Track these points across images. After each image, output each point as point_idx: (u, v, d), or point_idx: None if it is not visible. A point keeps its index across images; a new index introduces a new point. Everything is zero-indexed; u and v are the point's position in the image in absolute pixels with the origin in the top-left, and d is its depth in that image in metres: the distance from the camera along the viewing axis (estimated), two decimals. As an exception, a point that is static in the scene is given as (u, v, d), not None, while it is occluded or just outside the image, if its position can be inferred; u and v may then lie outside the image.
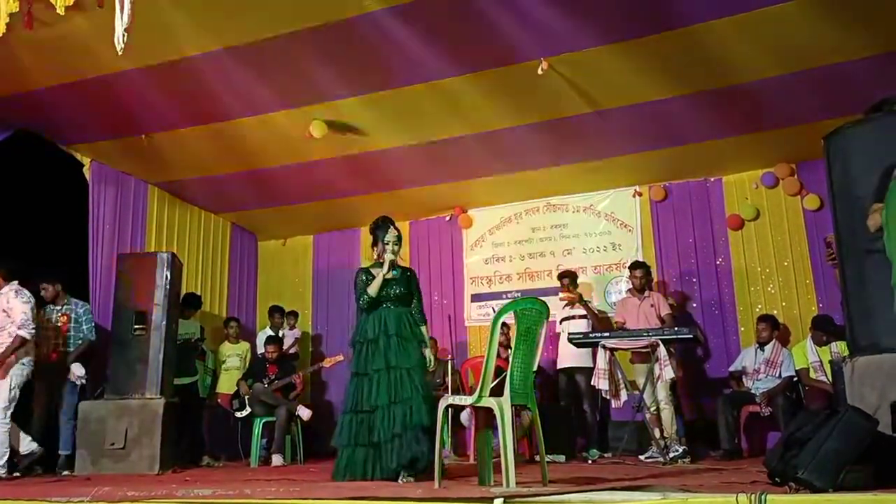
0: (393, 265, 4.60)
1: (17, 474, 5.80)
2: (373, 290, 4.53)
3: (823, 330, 6.27)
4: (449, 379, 6.94)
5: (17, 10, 4.19)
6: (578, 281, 7.50)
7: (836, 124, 4.28)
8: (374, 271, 4.63)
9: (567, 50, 5.37)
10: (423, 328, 4.68)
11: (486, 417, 4.01)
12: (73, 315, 6.29)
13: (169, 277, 6.20)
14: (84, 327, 6.29)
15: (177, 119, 6.44)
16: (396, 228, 4.70)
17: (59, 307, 6.30)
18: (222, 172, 7.64)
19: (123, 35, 3.57)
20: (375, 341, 4.43)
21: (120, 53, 3.65)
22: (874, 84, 5.17)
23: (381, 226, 4.70)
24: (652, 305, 6.69)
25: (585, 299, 7.34)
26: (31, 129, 6.54)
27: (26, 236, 6.32)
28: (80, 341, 6.24)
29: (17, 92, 5.83)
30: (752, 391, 6.47)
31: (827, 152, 4.28)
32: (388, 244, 4.62)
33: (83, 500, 3.16)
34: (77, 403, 6.01)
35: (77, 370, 6.07)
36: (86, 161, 7.14)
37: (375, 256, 4.72)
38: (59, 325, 6.22)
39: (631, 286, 7.03)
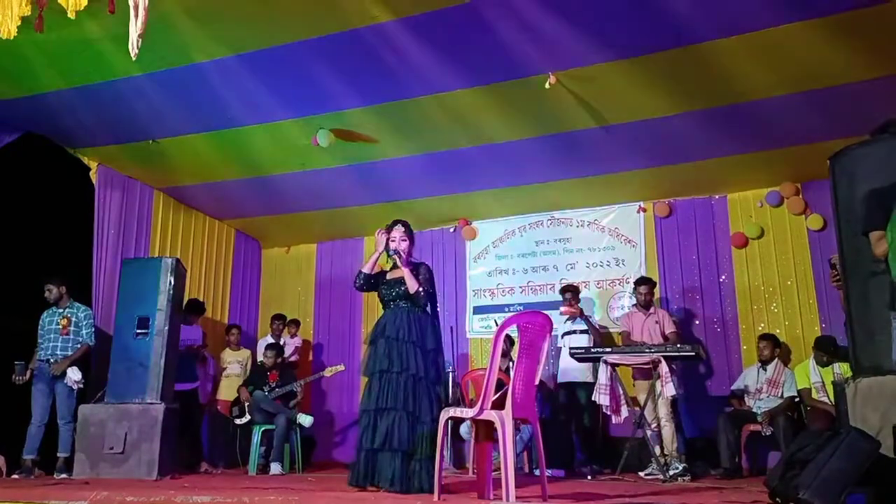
0: (386, 245, 4.49)
1: (17, 476, 5.82)
2: (367, 267, 4.52)
3: (825, 351, 6.25)
4: (450, 391, 6.92)
5: (29, 13, 4.22)
6: (580, 296, 7.49)
7: (841, 145, 4.28)
8: (385, 270, 4.60)
9: (575, 65, 5.39)
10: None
11: (486, 430, 4.00)
12: (73, 318, 6.28)
13: (172, 283, 6.20)
14: (83, 332, 6.29)
15: (184, 125, 6.47)
16: (405, 226, 4.59)
17: (60, 310, 6.30)
18: (228, 179, 7.67)
19: (137, 41, 3.58)
20: (374, 343, 4.37)
21: (134, 59, 3.67)
22: (881, 105, 5.18)
23: (389, 228, 4.59)
24: (657, 322, 6.69)
25: (587, 314, 7.33)
26: (39, 132, 6.58)
27: (32, 238, 6.35)
28: (78, 345, 6.24)
29: (26, 95, 5.87)
30: (754, 410, 6.45)
31: (833, 172, 4.28)
32: (394, 241, 4.53)
33: (81, 504, 3.16)
34: (75, 406, 6.01)
35: (73, 374, 6.05)
36: (92, 165, 7.18)
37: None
38: (58, 327, 6.22)
39: (636, 302, 7.02)
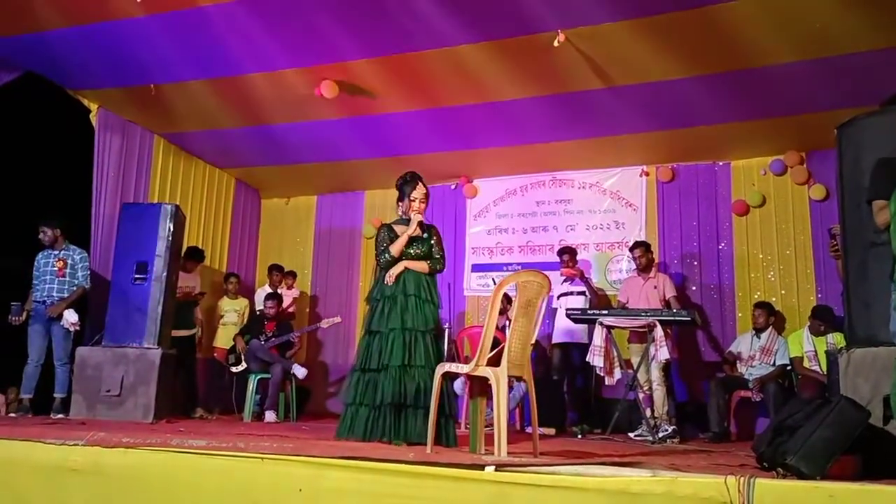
0: (421, 225, 4.46)
1: (13, 414, 5.89)
2: (395, 249, 4.40)
3: (823, 320, 6.28)
4: (445, 346, 6.96)
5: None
6: (578, 258, 7.49)
7: (849, 115, 4.24)
8: (397, 228, 4.50)
9: (584, 23, 5.32)
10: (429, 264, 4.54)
11: (480, 387, 4.04)
12: (69, 261, 6.27)
13: (172, 229, 6.20)
14: (79, 274, 6.29)
15: (186, 70, 6.39)
16: (425, 185, 4.52)
17: (56, 252, 6.29)
18: (229, 127, 7.59)
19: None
20: (393, 299, 4.31)
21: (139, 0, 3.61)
22: (891, 76, 5.13)
23: (408, 181, 4.52)
24: (655, 287, 6.70)
25: (586, 276, 7.35)
26: (39, 72, 6.49)
27: (30, 179, 6.32)
28: (74, 287, 6.25)
29: (27, 33, 5.78)
30: (746, 377, 6.51)
31: (839, 142, 4.25)
32: (414, 201, 4.47)
33: (78, 444, 3.19)
34: (71, 348, 6.05)
35: (70, 317, 6.07)
36: (93, 107, 7.10)
37: (400, 213, 4.59)
38: (55, 269, 6.23)
39: (635, 266, 7.02)
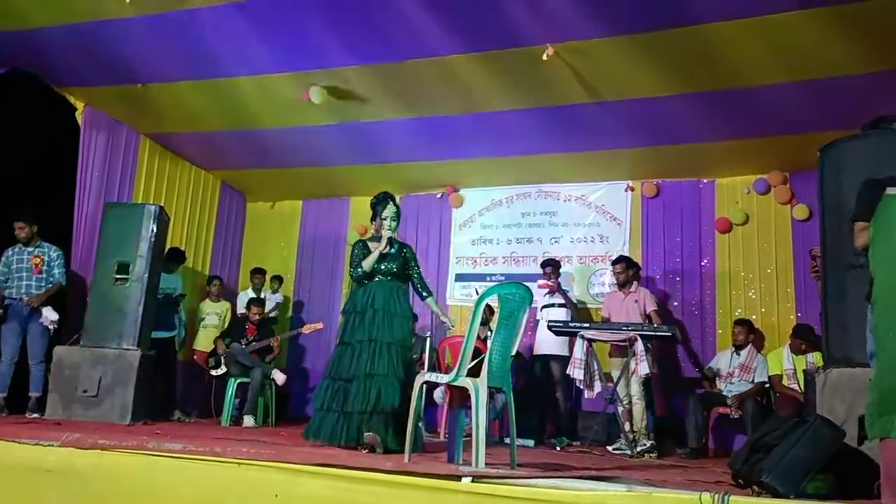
0: (391, 242, 4.67)
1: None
2: (367, 264, 4.62)
3: (804, 339, 6.32)
4: (426, 356, 6.95)
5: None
6: (560, 270, 7.51)
7: (833, 137, 4.30)
8: (371, 245, 4.71)
9: (574, 38, 5.35)
10: (431, 299, 4.83)
11: (460, 397, 4.04)
12: (45, 258, 6.21)
13: (155, 230, 6.17)
14: (56, 271, 6.22)
15: (175, 71, 6.36)
16: (396, 204, 4.76)
17: (31, 249, 6.22)
18: (216, 129, 7.56)
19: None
20: (362, 314, 4.52)
21: (128, 1, 3.61)
22: (874, 100, 5.19)
23: (381, 200, 4.77)
24: (636, 301, 6.73)
25: (564, 289, 7.37)
26: (27, 69, 6.44)
27: (12, 175, 6.24)
28: (50, 284, 6.18)
29: (16, 28, 5.74)
30: (725, 393, 6.54)
31: (821, 164, 4.31)
32: (385, 219, 4.70)
33: (53, 445, 3.16)
34: (48, 347, 5.98)
35: (50, 314, 6.00)
36: (79, 105, 7.05)
37: (373, 230, 4.80)
38: (31, 266, 6.16)
39: (615, 281, 7.05)
